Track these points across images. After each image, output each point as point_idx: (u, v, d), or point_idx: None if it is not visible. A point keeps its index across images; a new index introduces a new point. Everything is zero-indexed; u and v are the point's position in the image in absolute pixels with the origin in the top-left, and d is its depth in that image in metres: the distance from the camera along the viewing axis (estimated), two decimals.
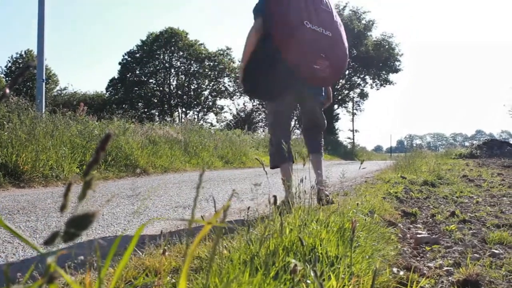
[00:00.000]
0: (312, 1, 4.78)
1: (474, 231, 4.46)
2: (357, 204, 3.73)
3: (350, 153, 39.52)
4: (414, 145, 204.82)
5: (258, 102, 53.35)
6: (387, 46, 48.41)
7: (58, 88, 59.86)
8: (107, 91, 57.83)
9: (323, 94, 5.37)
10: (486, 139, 42.59)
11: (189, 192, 6.86)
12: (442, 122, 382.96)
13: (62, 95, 57.77)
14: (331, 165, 18.08)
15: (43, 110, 11.02)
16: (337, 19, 5.02)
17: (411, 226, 5.07)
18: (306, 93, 5.13)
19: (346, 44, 5.13)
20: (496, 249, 3.76)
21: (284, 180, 4.55)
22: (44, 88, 11.79)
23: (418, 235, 4.20)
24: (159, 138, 13.06)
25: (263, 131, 51.18)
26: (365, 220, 3.16)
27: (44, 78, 11.87)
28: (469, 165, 19.12)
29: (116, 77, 57.38)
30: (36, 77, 12.25)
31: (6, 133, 8.42)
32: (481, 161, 25.16)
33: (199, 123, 50.24)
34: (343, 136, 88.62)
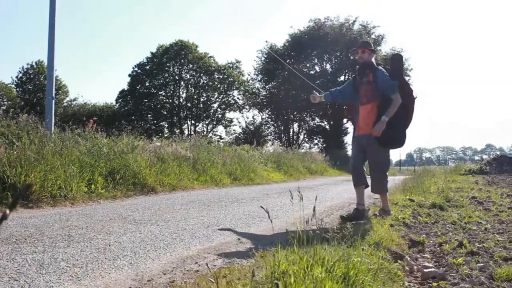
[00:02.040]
0: None
1: (482, 264, 4.42)
2: (363, 249, 3.69)
3: None
4: (424, 158, 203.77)
5: (267, 116, 53.39)
6: None
7: (68, 99, 60.28)
8: (116, 103, 58.14)
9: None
10: (496, 155, 42.31)
11: (197, 217, 6.84)
12: (452, 135, 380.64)
13: (72, 106, 58.11)
14: (339, 182, 18.00)
15: (52, 130, 11.03)
16: None
17: (418, 256, 5.04)
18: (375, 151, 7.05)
19: None
20: (504, 287, 3.74)
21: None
22: (53, 106, 11.76)
23: (425, 270, 4.18)
24: (168, 155, 13.06)
25: (272, 144, 51.31)
26: (370, 266, 3.13)
27: (53, 95, 11.86)
28: (478, 183, 18.99)
29: (126, 88, 57.67)
30: (46, 88, 12.29)
31: (15, 153, 8.46)
32: (491, 178, 25.00)
33: (208, 136, 50.34)
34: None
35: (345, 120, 50.78)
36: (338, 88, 7.72)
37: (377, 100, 6.83)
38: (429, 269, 4.18)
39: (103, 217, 6.59)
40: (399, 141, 7.08)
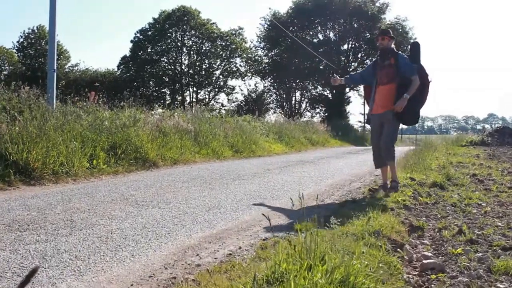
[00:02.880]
0: None
1: (480, 254, 4.46)
2: (363, 252, 3.69)
3: (360, 138, 39.34)
4: (426, 127, 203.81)
5: (269, 83, 53.28)
6: (400, 30, 47.81)
7: (69, 64, 59.96)
8: (118, 69, 57.74)
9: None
10: (498, 127, 42.27)
11: (198, 197, 6.86)
12: (454, 104, 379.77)
13: (73, 71, 57.74)
14: (340, 155, 17.95)
15: (54, 104, 10.98)
16: None
17: (418, 242, 5.10)
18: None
19: None
20: (502, 281, 3.78)
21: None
22: (55, 79, 11.68)
23: (424, 260, 4.22)
24: (169, 129, 13.05)
25: (274, 112, 51.35)
26: (371, 270, 3.15)
27: (55, 68, 11.79)
28: (479, 156, 19.02)
29: (127, 55, 57.24)
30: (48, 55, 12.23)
31: (17, 128, 8.47)
32: (492, 150, 25.02)
33: (210, 104, 50.10)
34: (354, 120, 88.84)
35: (347, 89, 50.66)
36: (358, 72, 8.89)
37: (397, 81, 7.63)
38: (428, 260, 4.22)
39: (105, 197, 6.63)
40: (415, 119, 8.15)
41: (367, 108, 9.00)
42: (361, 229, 4.76)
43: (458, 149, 26.76)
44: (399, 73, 7.65)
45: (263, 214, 3.86)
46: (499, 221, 6.04)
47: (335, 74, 8.80)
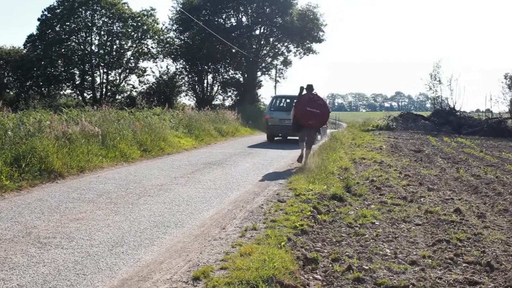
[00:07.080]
0: (312, 100, 13.74)
1: None
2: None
3: None
4: (336, 104, 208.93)
5: (181, 66, 52.86)
6: (311, 16, 48.81)
7: None
8: (25, 47, 55.58)
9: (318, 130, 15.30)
10: (402, 112, 44.75)
11: (103, 227, 6.80)
12: (363, 82, 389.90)
13: None
14: (247, 152, 18.05)
15: None
16: (323, 103, 14.25)
17: (311, 278, 5.48)
18: (307, 130, 13.88)
19: (326, 113, 14.32)
20: None
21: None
22: None
23: None
24: (75, 135, 12.81)
25: (186, 95, 51.34)
26: None
27: None
28: (382, 149, 19.89)
29: (35, 33, 55.17)
30: None
31: None
32: (395, 139, 26.29)
33: (121, 85, 49.09)
34: (267, 102, 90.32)
35: (259, 73, 51.29)
36: None
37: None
38: None
39: (6, 231, 6.53)
40: (293, 129, 14.68)
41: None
42: (256, 274, 5.00)
43: (365, 136, 27.90)
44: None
45: None
46: (388, 247, 6.51)
47: None
